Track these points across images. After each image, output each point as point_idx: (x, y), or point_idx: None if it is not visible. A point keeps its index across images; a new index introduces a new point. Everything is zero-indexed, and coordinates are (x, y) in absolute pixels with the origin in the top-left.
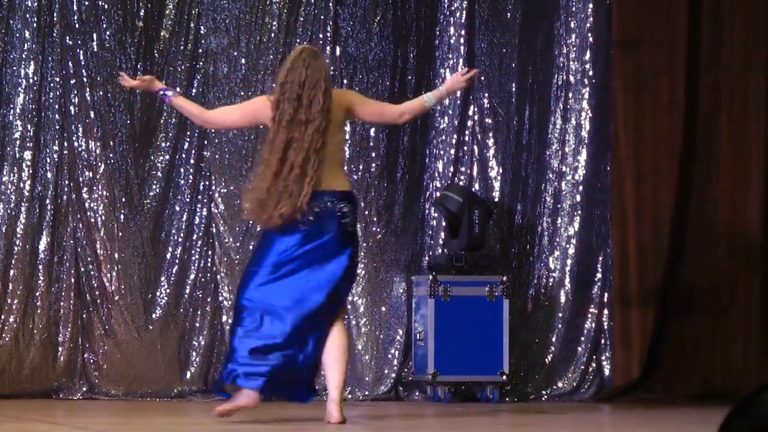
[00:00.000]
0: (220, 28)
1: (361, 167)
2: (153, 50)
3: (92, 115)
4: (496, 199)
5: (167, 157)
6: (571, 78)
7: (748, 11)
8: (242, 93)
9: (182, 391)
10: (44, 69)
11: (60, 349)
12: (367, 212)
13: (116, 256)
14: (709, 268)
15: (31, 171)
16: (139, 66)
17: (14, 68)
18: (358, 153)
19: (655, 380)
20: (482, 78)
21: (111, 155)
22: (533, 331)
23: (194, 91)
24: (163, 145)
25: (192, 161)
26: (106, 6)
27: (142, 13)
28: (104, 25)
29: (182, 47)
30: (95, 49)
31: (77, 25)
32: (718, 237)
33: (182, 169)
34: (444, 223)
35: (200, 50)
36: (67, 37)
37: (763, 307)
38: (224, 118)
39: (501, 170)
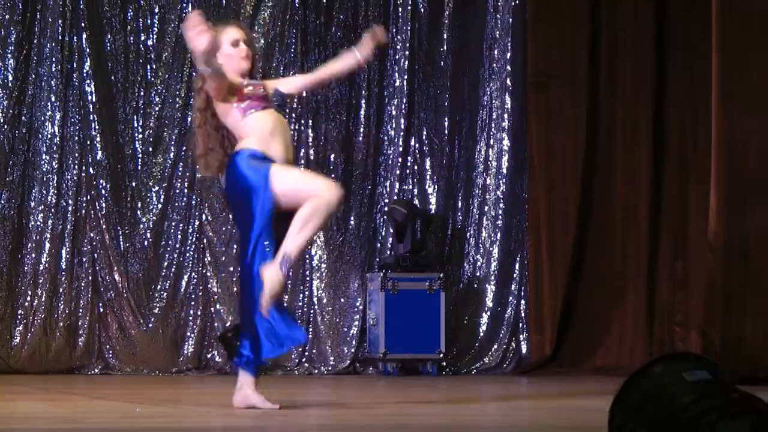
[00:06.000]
0: None
1: None
2: (151, 92)
3: (104, 145)
4: (433, 211)
5: (166, 179)
6: (494, 114)
7: (637, 45)
8: None
9: (179, 369)
10: (66, 107)
11: (80, 334)
12: (328, 222)
13: (125, 259)
14: (607, 264)
15: (55, 190)
16: (141, 103)
17: (42, 107)
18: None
19: (564, 357)
20: (421, 114)
21: (120, 176)
22: (464, 318)
23: (189, 117)
24: (163, 167)
25: (186, 182)
26: (112, 62)
27: (142, 67)
28: (113, 77)
29: (178, 87)
30: (105, 92)
31: (92, 72)
32: (613, 238)
33: (178, 188)
34: (392, 230)
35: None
36: (85, 83)
37: (648, 295)
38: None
39: (437, 187)
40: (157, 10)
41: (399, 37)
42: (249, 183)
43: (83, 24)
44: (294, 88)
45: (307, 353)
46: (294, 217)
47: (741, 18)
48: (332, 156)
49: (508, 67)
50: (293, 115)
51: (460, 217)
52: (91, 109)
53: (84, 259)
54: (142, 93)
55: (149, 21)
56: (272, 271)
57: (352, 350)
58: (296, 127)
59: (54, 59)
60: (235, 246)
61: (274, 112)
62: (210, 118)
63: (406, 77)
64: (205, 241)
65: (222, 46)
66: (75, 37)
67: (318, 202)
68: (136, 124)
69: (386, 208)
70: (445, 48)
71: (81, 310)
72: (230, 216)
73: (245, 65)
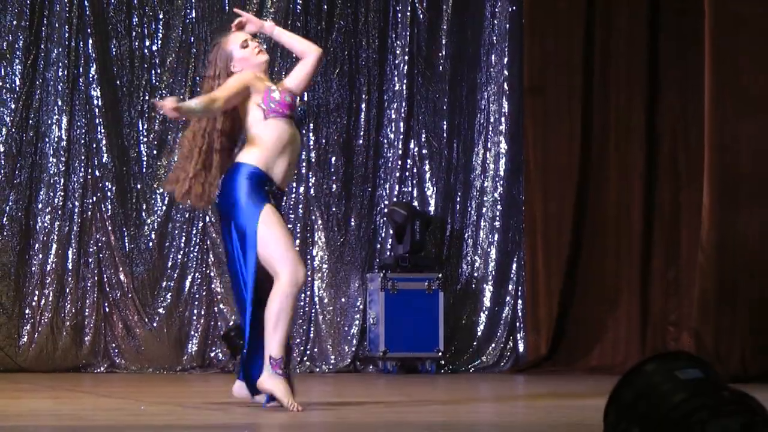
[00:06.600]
0: None
1: (324, 188)
2: (156, 96)
3: (110, 148)
4: (432, 213)
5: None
6: (491, 117)
7: (631, 47)
8: None
9: (184, 367)
10: (73, 110)
11: (86, 333)
12: (329, 223)
13: (130, 259)
14: (600, 266)
15: (62, 192)
16: (145, 107)
17: (49, 111)
18: (321, 177)
19: (559, 356)
20: (420, 118)
21: (125, 179)
22: (462, 317)
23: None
24: (167, 170)
25: None
26: (118, 67)
27: (146, 71)
28: (118, 81)
29: (182, 92)
30: (111, 96)
31: (98, 77)
32: (607, 241)
33: None
34: (391, 232)
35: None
36: (91, 87)
37: (641, 295)
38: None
39: (435, 189)
40: (161, 16)
41: (398, 42)
42: (240, 211)
43: (89, 30)
44: (303, 78)
45: (308, 352)
46: (265, 312)
47: (733, 21)
48: (333, 159)
49: (505, 72)
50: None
51: (459, 219)
52: (96, 113)
53: (90, 260)
54: (146, 97)
55: (154, 27)
56: (272, 382)
57: (353, 349)
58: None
59: (60, 64)
60: None
61: (293, 124)
62: (224, 139)
63: (405, 81)
64: (208, 242)
65: (233, 53)
66: (81, 43)
67: (283, 295)
68: (141, 128)
69: (386, 210)
70: (443, 53)
71: (87, 310)
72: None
73: (263, 58)
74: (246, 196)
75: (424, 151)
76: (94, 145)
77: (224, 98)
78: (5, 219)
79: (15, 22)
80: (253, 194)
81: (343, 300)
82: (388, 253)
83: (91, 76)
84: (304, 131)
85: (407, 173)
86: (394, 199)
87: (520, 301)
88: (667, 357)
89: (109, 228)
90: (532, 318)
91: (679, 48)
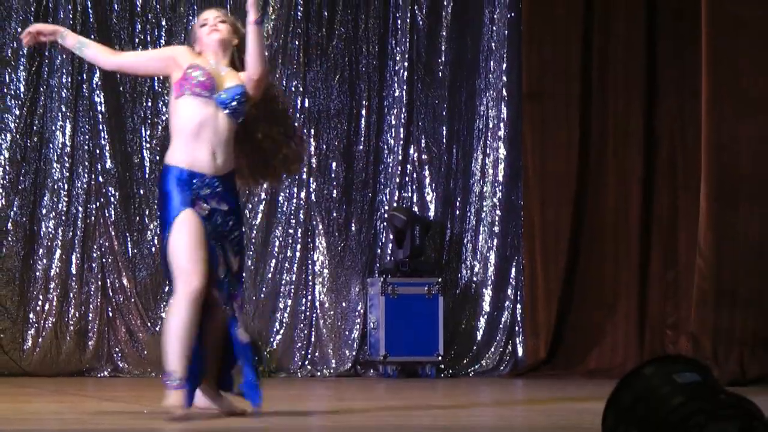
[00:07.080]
0: None
1: (324, 193)
2: (159, 102)
3: (113, 154)
4: (432, 218)
5: None
6: (490, 123)
7: (629, 52)
8: None
9: None
10: (76, 117)
11: (89, 338)
12: (330, 228)
13: (133, 264)
14: (599, 271)
15: (66, 198)
16: (148, 113)
17: (53, 117)
18: (322, 182)
19: (558, 360)
20: (420, 123)
21: (128, 184)
22: (462, 322)
23: None
24: None
25: None
26: (121, 74)
27: (149, 78)
28: (122, 88)
29: None
30: (114, 103)
31: (101, 83)
32: (605, 246)
33: None
34: (392, 237)
35: None
36: (94, 94)
37: (639, 300)
38: None
39: (435, 195)
40: (164, 23)
41: (398, 48)
42: (167, 213)
43: (93, 37)
44: (253, 73)
45: (309, 356)
46: None
47: (732, 23)
48: (333, 164)
49: (504, 78)
50: (295, 123)
51: (458, 224)
52: (100, 119)
53: (93, 265)
54: (149, 103)
55: (156, 33)
56: (171, 399)
57: (354, 353)
58: None
59: (64, 71)
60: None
61: (210, 104)
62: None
63: (405, 88)
64: None
65: (196, 33)
66: None
67: (169, 312)
68: (143, 134)
69: (386, 215)
70: (442, 59)
71: (90, 315)
72: None
73: (213, 37)
74: (167, 202)
75: (424, 157)
76: (98, 151)
77: (125, 56)
78: (10, 224)
79: (19, 29)
80: (176, 199)
81: (343, 304)
82: (389, 258)
83: (94, 82)
84: (305, 137)
85: (407, 179)
86: (394, 204)
87: (519, 306)
88: (665, 360)
89: (113, 233)
90: (531, 322)
91: (676, 47)
